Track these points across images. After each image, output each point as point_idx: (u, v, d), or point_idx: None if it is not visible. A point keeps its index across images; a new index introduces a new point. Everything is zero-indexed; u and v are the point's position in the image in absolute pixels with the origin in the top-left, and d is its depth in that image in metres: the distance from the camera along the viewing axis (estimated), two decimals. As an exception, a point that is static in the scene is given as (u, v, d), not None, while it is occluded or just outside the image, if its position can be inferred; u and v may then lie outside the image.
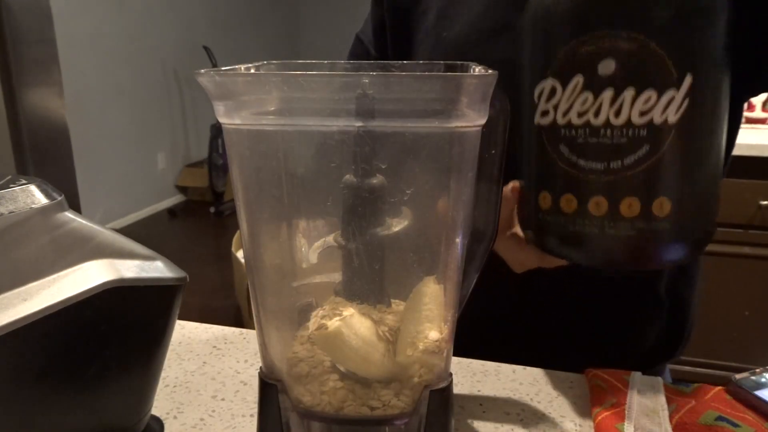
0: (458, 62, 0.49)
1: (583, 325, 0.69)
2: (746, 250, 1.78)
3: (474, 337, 0.61)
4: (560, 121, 0.47)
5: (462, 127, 0.38)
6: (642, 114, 0.45)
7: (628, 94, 0.45)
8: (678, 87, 0.44)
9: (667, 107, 0.45)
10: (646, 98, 0.44)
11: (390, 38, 0.75)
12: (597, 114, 0.45)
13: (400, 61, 0.51)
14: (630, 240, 0.46)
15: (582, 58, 0.45)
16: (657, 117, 0.45)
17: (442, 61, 0.50)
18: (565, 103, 0.47)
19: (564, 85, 0.47)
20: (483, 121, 0.39)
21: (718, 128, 0.47)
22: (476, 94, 0.38)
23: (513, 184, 0.54)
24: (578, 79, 0.46)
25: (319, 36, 5.97)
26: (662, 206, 0.46)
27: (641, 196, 0.46)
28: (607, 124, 0.45)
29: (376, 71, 0.48)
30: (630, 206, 0.46)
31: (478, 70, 0.44)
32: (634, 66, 0.44)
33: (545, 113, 0.48)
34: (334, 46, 5.93)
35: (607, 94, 0.45)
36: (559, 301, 0.67)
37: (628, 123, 0.45)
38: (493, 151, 0.47)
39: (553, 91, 0.47)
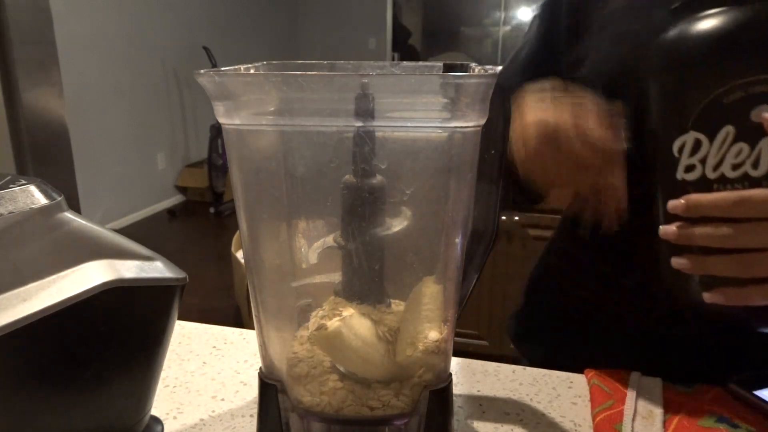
0: (458, 62, 0.49)
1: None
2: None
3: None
4: (710, 175, 0.45)
5: (462, 127, 0.38)
6: None
7: None
8: None
9: None
10: None
11: (565, 26, 0.69)
12: (756, 165, 0.43)
13: (399, 62, 0.51)
14: None
15: (729, 108, 0.43)
16: None
17: (441, 62, 0.50)
18: (714, 156, 0.44)
19: (711, 138, 0.44)
20: (483, 121, 0.39)
21: None
22: (476, 94, 0.38)
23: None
24: (728, 130, 0.44)
25: (319, 36, 5.97)
26: None
27: None
28: None
29: (375, 71, 0.48)
30: None
31: (477, 70, 0.44)
32: None
33: (690, 168, 0.46)
34: (334, 46, 5.93)
35: (766, 143, 0.42)
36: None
37: None
38: (493, 152, 0.47)
39: (697, 145, 0.45)
